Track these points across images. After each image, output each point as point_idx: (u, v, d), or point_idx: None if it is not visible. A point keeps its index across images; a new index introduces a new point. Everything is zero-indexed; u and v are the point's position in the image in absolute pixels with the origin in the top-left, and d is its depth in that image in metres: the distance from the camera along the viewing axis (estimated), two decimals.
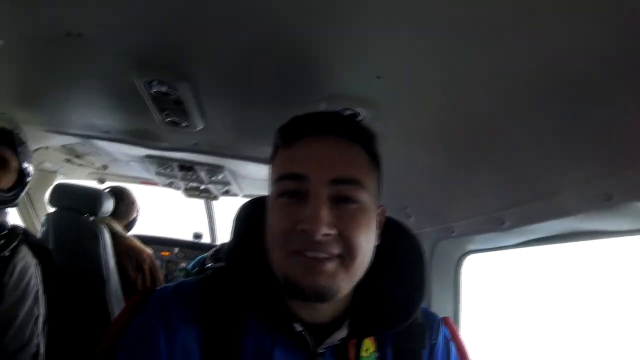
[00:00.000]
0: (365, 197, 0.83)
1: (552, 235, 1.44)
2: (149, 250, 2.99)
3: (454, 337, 1.05)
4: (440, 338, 0.99)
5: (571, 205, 1.18)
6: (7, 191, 1.79)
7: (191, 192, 3.40)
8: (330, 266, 0.79)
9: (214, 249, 1.96)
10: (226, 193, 3.39)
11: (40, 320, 1.69)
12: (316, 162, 0.82)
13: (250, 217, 0.94)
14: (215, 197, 3.54)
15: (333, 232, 0.78)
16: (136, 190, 3.40)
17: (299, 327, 0.85)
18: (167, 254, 3.98)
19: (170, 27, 1.16)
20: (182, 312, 0.86)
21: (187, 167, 2.78)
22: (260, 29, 1.08)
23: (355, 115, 1.35)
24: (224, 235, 4.31)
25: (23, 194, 1.91)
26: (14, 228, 1.78)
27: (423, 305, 0.98)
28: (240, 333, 0.85)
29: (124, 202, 3.10)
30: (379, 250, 0.89)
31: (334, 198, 0.80)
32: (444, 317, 1.06)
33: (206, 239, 4.38)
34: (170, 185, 3.34)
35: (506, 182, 1.36)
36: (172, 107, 1.55)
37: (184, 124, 1.70)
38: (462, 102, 1.19)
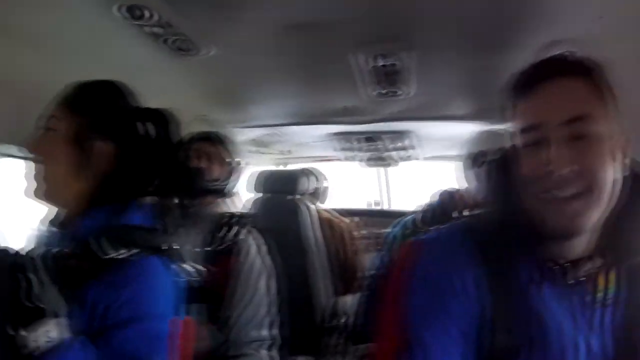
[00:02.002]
0: (602, 130, 0.85)
1: None
2: (344, 219, 3.14)
3: None
4: None
5: None
6: (220, 182, 1.97)
7: (372, 162, 3.50)
8: (576, 205, 0.83)
9: (423, 211, 1.99)
10: (407, 158, 3.43)
11: (273, 292, 1.84)
12: (548, 109, 0.86)
13: (502, 167, 0.99)
14: (395, 164, 3.60)
15: (573, 169, 0.82)
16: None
17: (560, 261, 0.91)
18: None
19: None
20: (460, 255, 0.95)
21: (372, 138, 2.88)
22: None
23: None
24: (398, 201, 4.40)
25: (236, 184, 2.09)
26: (241, 214, 1.97)
27: None
28: (513, 269, 0.93)
29: (314, 180, 3.27)
30: (626, 181, 0.90)
31: (570, 137, 0.83)
32: None
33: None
34: (351, 158, 3.46)
35: None
36: (388, 78, 1.60)
37: (396, 93, 1.74)
38: None
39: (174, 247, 1.13)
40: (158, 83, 1.85)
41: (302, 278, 2.81)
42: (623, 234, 0.93)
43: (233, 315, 1.75)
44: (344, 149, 3.18)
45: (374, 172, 4.29)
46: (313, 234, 2.86)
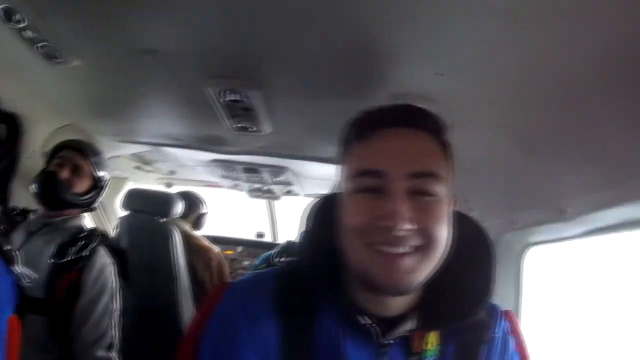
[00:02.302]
0: (442, 188, 0.82)
1: (617, 223, 1.38)
2: (216, 249, 3.11)
3: (514, 331, 1.01)
4: (500, 331, 0.95)
5: (634, 190, 1.13)
6: (81, 195, 1.94)
7: (255, 193, 3.51)
8: (409, 261, 0.78)
9: (280, 246, 2.01)
10: (288, 193, 3.48)
11: (116, 314, 1.82)
12: (393, 157, 0.81)
13: (322, 212, 0.94)
14: (278, 197, 3.63)
15: (413, 226, 0.77)
16: (202, 193, 3.53)
17: (366, 320, 0.85)
18: (231, 252, 4.08)
19: (243, 38, 1.22)
20: (260, 303, 0.88)
21: (251, 170, 2.89)
22: (329, 31, 1.12)
23: None
24: (285, 234, 4.40)
25: (99, 199, 2.06)
26: (93, 230, 1.93)
27: None
28: (316, 322, 0.87)
29: (191, 204, 3.24)
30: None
31: (412, 191, 0.79)
32: (505, 310, 1.02)
33: (268, 238, 4.47)
34: (235, 187, 3.46)
35: (568, 170, 1.32)
36: (242, 113, 1.63)
37: (253, 129, 1.77)
38: (527, 92, 1.17)
39: (8, 249, 1.11)
40: (32, 86, 1.81)
41: (168, 302, 2.74)
42: (443, 294, 0.88)
43: (73, 331, 1.71)
44: (225, 177, 3.17)
45: (264, 204, 4.30)
46: (179, 258, 2.80)
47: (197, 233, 3.27)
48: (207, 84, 1.47)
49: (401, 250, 0.78)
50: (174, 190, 3.68)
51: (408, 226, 0.76)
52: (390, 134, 0.84)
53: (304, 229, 0.97)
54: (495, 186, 1.74)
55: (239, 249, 4.13)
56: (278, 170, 2.84)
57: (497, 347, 0.93)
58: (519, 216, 1.73)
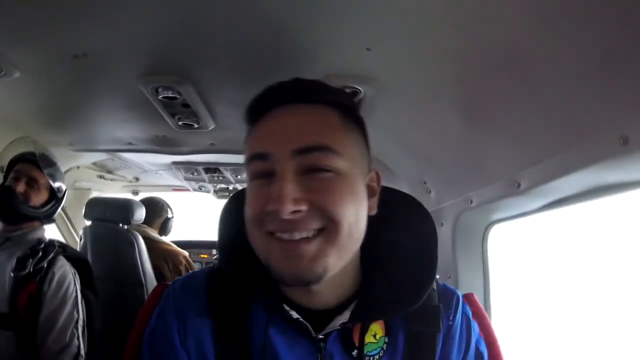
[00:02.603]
0: (341, 163, 0.74)
1: (572, 195, 1.34)
2: (184, 252, 3.09)
3: (478, 315, 0.96)
4: (459, 317, 0.89)
5: (586, 155, 1.08)
6: (38, 207, 1.93)
7: (221, 193, 3.49)
8: (311, 246, 0.72)
9: None
10: None
11: (80, 323, 1.80)
12: (277, 136, 0.75)
13: (237, 207, 0.86)
14: None
15: (303, 207, 0.71)
16: (171, 198, 3.51)
17: (294, 314, 0.80)
18: (205, 256, 4.08)
19: (168, 34, 1.20)
20: (193, 303, 0.85)
21: (212, 170, 2.86)
22: (251, 20, 1.09)
23: (355, 92, 1.34)
24: None
25: (57, 211, 2.05)
26: (51, 242, 1.91)
27: (442, 282, 0.92)
28: (247, 320, 0.83)
29: (156, 210, 3.21)
30: (384, 225, 0.83)
31: (303, 170, 0.73)
32: (466, 294, 0.97)
33: None
34: (200, 189, 3.43)
35: (517, 140, 1.28)
36: (181, 110, 1.61)
37: (196, 126, 1.75)
38: (465, 64, 1.13)
39: None
40: None
41: (137, 309, 2.69)
42: (382, 281, 0.84)
43: (39, 343, 1.70)
44: (188, 179, 3.14)
45: None
46: (145, 264, 2.77)
47: (165, 238, 3.25)
48: (140, 82, 1.44)
49: (299, 235, 0.72)
50: (140, 197, 3.65)
51: (294, 207, 0.70)
52: (278, 113, 0.78)
53: (220, 225, 0.93)
54: (450, 165, 1.72)
55: (214, 251, 4.11)
56: (239, 168, 2.81)
57: (456, 334, 0.88)
58: (476, 194, 1.67)
